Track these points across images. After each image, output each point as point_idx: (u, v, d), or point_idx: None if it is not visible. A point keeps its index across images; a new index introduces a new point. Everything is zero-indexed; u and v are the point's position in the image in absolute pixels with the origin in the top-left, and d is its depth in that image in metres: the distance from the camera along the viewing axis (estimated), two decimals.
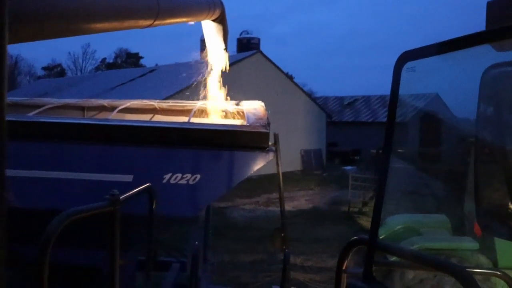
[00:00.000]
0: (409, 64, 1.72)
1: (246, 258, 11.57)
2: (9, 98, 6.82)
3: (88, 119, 5.97)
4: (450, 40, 1.55)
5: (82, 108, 6.66)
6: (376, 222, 1.91)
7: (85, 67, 76.41)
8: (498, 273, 2.77)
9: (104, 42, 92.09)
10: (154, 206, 3.75)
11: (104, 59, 77.42)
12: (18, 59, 70.54)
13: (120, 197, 2.66)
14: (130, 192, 3.09)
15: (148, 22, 4.06)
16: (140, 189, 3.40)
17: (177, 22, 4.94)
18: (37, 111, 5.40)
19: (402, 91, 1.94)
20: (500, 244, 6.09)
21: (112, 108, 5.94)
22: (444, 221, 7.62)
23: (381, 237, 6.93)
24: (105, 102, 6.58)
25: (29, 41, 2.91)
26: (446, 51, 1.59)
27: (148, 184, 3.59)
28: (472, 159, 5.82)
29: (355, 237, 2.19)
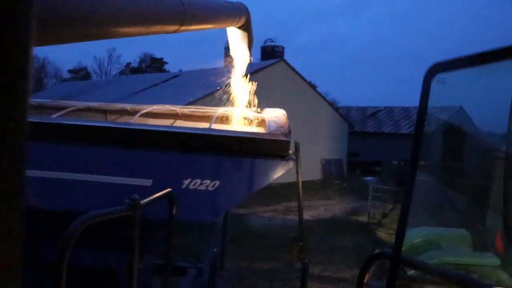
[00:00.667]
0: (439, 76, 1.68)
1: (263, 266, 11.52)
2: (34, 100, 6.91)
3: (110, 122, 6.01)
4: (483, 52, 1.50)
5: (104, 112, 6.71)
6: (401, 236, 1.87)
7: (110, 71, 77.47)
8: None
9: (130, 47, 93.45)
10: (174, 211, 3.75)
11: (129, 63, 78.38)
12: (45, 61, 71.76)
13: (141, 202, 2.66)
14: (151, 197, 3.08)
15: (174, 28, 4.07)
16: (161, 194, 3.40)
17: (202, 29, 4.95)
18: (60, 113, 5.45)
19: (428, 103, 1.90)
20: None
21: (134, 112, 5.97)
22: (465, 236, 7.50)
23: (404, 254, 6.81)
24: (127, 106, 6.62)
25: (56, 44, 2.93)
26: (478, 64, 1.55)
27: (169, 189, 3.59)
28: (498, 173, 5.71)
29: (378, 251, 2.15)
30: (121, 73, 74.16)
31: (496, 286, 3.54)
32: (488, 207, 7.01)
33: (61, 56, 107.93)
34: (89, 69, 77.54)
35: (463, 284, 1.77)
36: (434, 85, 1.76)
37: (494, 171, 6.16)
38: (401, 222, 1.96)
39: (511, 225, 4.21)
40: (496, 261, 6.31)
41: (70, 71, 76.32)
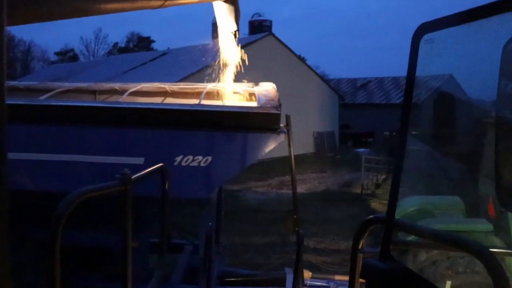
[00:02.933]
0: (428, 37, 1.66)
1: (259, 241, 11.60)
2: (22, 83, 6.82)
3: (99, 102, 5.96)
4: (471, 9, 1.48)
5: (93, 92, 6.65)
6: (393, 201, 1.87)
7: (97, 51, 76.70)
8: None
9: (116, 27, 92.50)
10: (166, 186, 3.74)
11: (116, 43, 77.60)
12: (31, 45, 70.94)
13: (132, 177, 2.64)
14: (143, 172, 3.07)
15: (159, 3, 4.00)
16: (153, 168, 3.38)
17: (188, 3, 4.87)
18: (48, 94, 5.39)
19: (417, 72, 1.88)
20: None
21: (123, 91, 5.92)
22: (458, 203, 7.56)
23: (398, 218, 6.87)
24: (116, 85, 6.56)
25: (38, 22, 2.88)
26: (467, 21, 1.53)
27: (161, 164, 3.57)
28: (489, 140, 5.73)
29: (372, 216, 2.16)
30: (109, 53, 73.42)
31: (498, 249, 3.58)
32: (480, 173, 7.05)
33: (47, 39, 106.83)
34: (76, 50, 76.80)
35: (457, 245, 1.77)
36: (424, 50, 1.74)
37: (485, 137, 6.18)
38: (393, 186, 1.96)
39: (503, 190, 4.24)
40: (488, 226, 6.38)
41: (57, 53, 75.50)
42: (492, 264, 1.43)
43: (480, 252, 1.50)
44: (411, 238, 3.37)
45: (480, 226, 6.47)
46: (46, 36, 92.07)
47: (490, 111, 6.07)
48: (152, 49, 64.33)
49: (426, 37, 1.70)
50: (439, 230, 1.89)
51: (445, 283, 5.96)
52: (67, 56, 74.31)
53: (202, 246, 5.30)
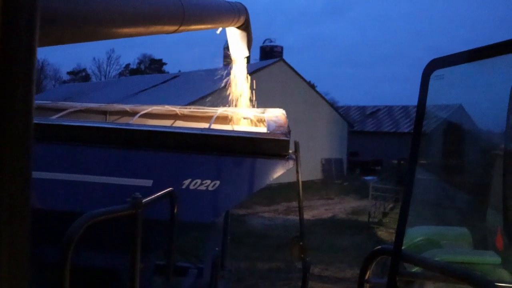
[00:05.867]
0: (437, 72, 1.69)
1: (264, 266, 11.52)
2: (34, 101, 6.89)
3: (110, 123, 6.01)
4: (481, 47, 1.51)
5: (104, 113, 6.72)
6: (401, 232, 1.87)
7: (109, 72, 77.46)
8: None
9: (128, 48, 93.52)
10: (175, 210, 3.75)
11: (128, 64, 78.44)
12: (44, 63, 71.81)
13: (143, 201, 2.66)
14: (153, 196, 3.08)
15: (173, 28, 4.07)
16: (163, 193, 3.40)
17: (202, 29, 4.95)
18: (60, 114, 5.45)
19: (427, 101, 1.90)
20: None
21: (134, 113, 5.98)
22: (466, 234, 7.50)
23: (405, 249, 6.83)
24: (127, 107, 6.63)
25: (55, 45, 2.94)
26: (476, 59, 1.55)
27: (171, 188, 3.59)
28: (497, 171, 5.71)
29: (379, 247, 2.16)
30: (120, 74, 74.21)
31: (505, 284, 3.55)
32: (489, 205, 7.01)
33: (60, 58, 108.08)
34: (88, 70, 77.69)
35: (464, 279, 1.77)
36: (433, 82, 1.76)
37: (493, 168, 6.16)
38: (401, 218, 1.97)
39: (511, 223, 4.23)
40: (496, 259, 6.31)
41: (69, 73, 76.41)
42: None
43: (485, 286, 1.50)
44: (417, 269, 3.37)
45: (488, 258, 6.40)
46: (59, 55, 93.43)
47: (499, 143, 6.07)
48: (163, 72, 64.94)
49: (436, 73, 1.73)
50: (445, 263, 1.89)
51: None
52: (79, 76, 75.14)
53: (207, 270, 5.29)
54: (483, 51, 1.49)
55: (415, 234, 7.67)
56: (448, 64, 1.70)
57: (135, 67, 77.05)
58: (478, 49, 1.50)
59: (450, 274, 1.89)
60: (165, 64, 77.27)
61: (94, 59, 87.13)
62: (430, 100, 1.93)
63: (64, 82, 68.76)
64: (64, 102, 6.77)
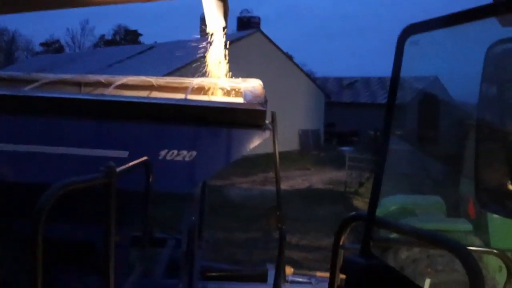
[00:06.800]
0: (413, 38, 1.69)
1: (241, 236, 11.63)
2: (5, 72, 6.74)
3: (84, 94, 5.92)
4: (455, 13, 1.51)
5: (78, 84, 6.60)
6: (375, 198, 1.90)
7: (83, 43, 75.97)
8: (495, 251, 2.80)
9: (103, 19, 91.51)
10: (150, 180, 3.74)
11: (103, 35, 76.92)
12: (16, 34, 70.10)
13: (117, 170, 2.63)
14: (127, 165, 3.06)
15: None
16: (137, 162, 3.38)
17: None
18: (32, 85, 5.35)
19: (402, 72, 1.90)
20: (493, 225, 6.15)
21: (109, 84, 5.89)
22: (439, 203, 7.66)
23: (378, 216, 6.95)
24: (102, 78, 6.51)
25: (27, 11, 2.87)
26: (451, 25, 1.56)
27: (145, 157, 3.57)
28: (470, 141, 5.81)
29: (353, 213, 2.19)
30: (95, 45, 72.76)
31: (475, 248, 3.66)
32: (462, 174, 7.15)
33: (32, 29, 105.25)
34: (62, 42, 75.98)
35: (435, 242, 1.81)
36: (409, 52, 1.76)
37: (467, 139, 6.26)
38: (375, 185, 2.00)
39: (482, 191, 4.32)
40: (468, 226, 6.48)
41: (42, 44, 74.64)
42: (468, 261, 1.47)
43: (457, 249, 1.54)
44: (392, 236, 3.42)
45: (460, 226, 6.56)
46: (31, 26, 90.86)
47: (473, 113, 6.16)
48: (139, 43, 63.94)
49: (412, 38, 1.73)
50: (419, 228, 1.93)
51: (424, 281, 6.04)
52: (53, 47, 73.57)
53: (184, 240, 5.31)
54: (458, 17, 1.49)
55: (390, 203, 7.81)
56: (424, 29, 1.70)
57: (110, 38, 75.63)
58: (454, 14, 1.50)
59: (423, 239, 1.93)
60: (140, 35, 75.98)
61: (67, 30, 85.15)
62: (406, 71, 1.94)
63: (37, 53, 67.21)
64: (37, 73, 6.63)
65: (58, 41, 75.47)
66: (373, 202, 1.92)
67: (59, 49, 72.48)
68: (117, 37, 75.68)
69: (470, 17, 1.47)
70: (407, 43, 1.71)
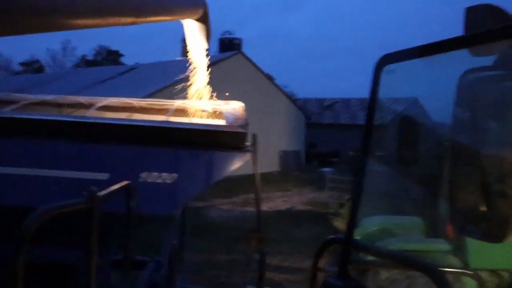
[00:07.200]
0: (389, 67, 1.75)
1: (222, 258, 11.57)
2: None
3: (65, 116, 5.91)
4: (429, 44, 1.58)
5: (59, 105, 6.58)
6: (352, 221, 1.95)
7: (64, 63, 75.42)
8: (470, 272, 2.85)
9: (85, 39, 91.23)
10: (132, 204, 3.74)
11: (84, 56, 76.53)
12: None
13: (99, 194, 2.64)
14: (109, 189, 3.06)
15: (131, 20, 4.04)
16: (119, 186, 3.38)
17: (159, 21, 4.92)
18: (12, 107, 5.32)
19: (382, 94, 1.96)
20: (471, 246, 6.22)
21: (90, 106, 5.88)
22: (418, 223, 7.73)
23: (356, 238, 7.00)
24: (83, 99, 6.50)
25: (9, 35, 2.88)
26: (425, 55, 1.62)
27: (127, 181, 3.57)
28: (447, 162, 5.91)
29: (331, 236, 2.23)
30: (77, 65, 72.31)
31: (450, 269, 3.72)
32: (440, 195, 7.24)
33: (12, 49, 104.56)
34: (43, 62, 75.39)
35: (409, 264, 1.86)
36: (389, 76, 1.82)
37: (444, 160, 6.37)
38: (353, 208, 2.04)
39: (457, 213, 4.41)
40: (447, 246, 6.54)
41: (22, 63, 73.99)
42: (441, 282, 1.51)
43: (430, 271, 1.58)
44: (371, 258, 3.47)
45: (439, 246, 6.62)
46: (11, 46, 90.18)
47: (449, 136, 6.28)
48: (121, 63, 63.83)
49: (388, 67, 1.79)
50: (394, 251, 1.96)
51: None
52: (33, 67, 72.95)
53: (165, 263, 5.28)
54: (431, 48, 1.56)
55: (370, 224, 7.86)
56: (399, 60, 1.77)
57: (91, 58, 75.34)
58: (426, 46, 1.57)
59: (398, 260, 1.98)
60: (122, 55, 75.80)
61: (48, 50, 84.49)
62: (386, 93, 1.99)
63: (17, 73, 66.58)
64: (17, 94, 6.60)
65: (38, 61, 74.91)
66: (351, 226, 1.97)
67: (40, 69, 71.86)
68: (99, 58, 75.39)
69: (442, 48, 1.53)
70: (384, 71, 1.78)
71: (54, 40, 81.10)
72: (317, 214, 18.08)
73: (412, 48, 1.63)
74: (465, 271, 3.20)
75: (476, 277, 2.52)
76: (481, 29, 1.50)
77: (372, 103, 1.94)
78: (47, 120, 4.60)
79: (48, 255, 4.47)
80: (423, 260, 1.68)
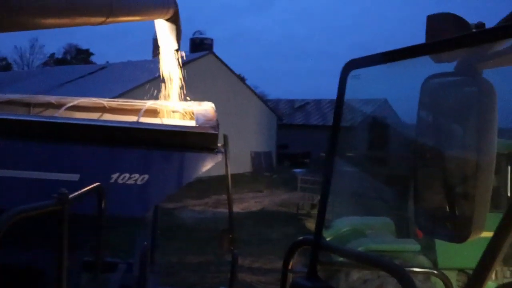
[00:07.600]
0: (354, 72, 1.79)
1: (194, 259, 11.54)
2: None
3: (34, 116, 5.83)
4: (392, 50, 1.62)
5: (28, 105, 6.48)
6: (321, 222, 1.98)
7: (32, 62, 74.06)
8: (436, 272, 2.91)
9: (53, 37, 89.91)
10: (103, 206, 3.71)
11: (53, 54, 75.24)
12: None
13: (69, 196, 2.62)
14: (80, 191, 3.04)
15: (101, 20, 4.02)
16: (90, 188, 3.36)
17: (130, 20, 4.90)
18: None
19: (352, 96, 2.00)
20: (440, 246, 6.35)
21: (59, 106, 5.81)
22: (389, 224, 7.86)
23: (328, 239, 7.07)
24: (52, 99, 6.42)
25: None
26: (388, 61, 1.66)
27: (98, 183, 3.55)
28: (414, 163, 6.03)
29: (300, 238, 2.26)
30: (45, 64, 71.09)
31: (416, 269, 3.79)
32: (409, 195, 7.36)
33: None
34: (10, 60, 73.84)
35: (376, 265, 1.90)
36: (358, 78, 1.86)
37: (412, 161, 6.48)
38: (321, 209, 2.07)
39: (420, 215, 4.47)
40: (416, 246, 6.67)
41: None
42: (405, 282, 1.55)
43: (395, 271, 1.62)
44: (341, 259, 3.51)
45: (409, 246, 6.74)
46: None
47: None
48: (90, 62, 63.00)
49: (353, 72, 1.83)
50: (361, 252, 2.00)
51: None
52: None
53: (136, 265, 5.25)
54: (395, 54, 1.60)
55: (342, 225, 7.96)
56: (364, 65, 1.80)
57: (60, 57, 74.16)
58: (391, 52, 1.61)
59: (364, 261, 2.03)
60: (92, 54, 74.79)
61: (15, 47, 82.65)
62: (356, 94, 2.03)
63: None
64: None
65: (5, 59, 73.41)
66: (319, 227, 2.00)
67: (7, 67, 70.41)
68: (68, 56, 74.26)
69: (405, 55, 1.58)
70: (350, 76, 1.82)
71: (21, 38, 79.62)
72: (289, 215, 18.18)
73: (376, 55, 1.67)
74: (431, 270, 3.26)
75: (442, 276, 2.57)
76: (441, 37, 1.55)
77: (338, 107, 1.98)
78: (15, 120, 4.53)
79: (18, 258, 4.41)
80: (388, 260, 1.72)
